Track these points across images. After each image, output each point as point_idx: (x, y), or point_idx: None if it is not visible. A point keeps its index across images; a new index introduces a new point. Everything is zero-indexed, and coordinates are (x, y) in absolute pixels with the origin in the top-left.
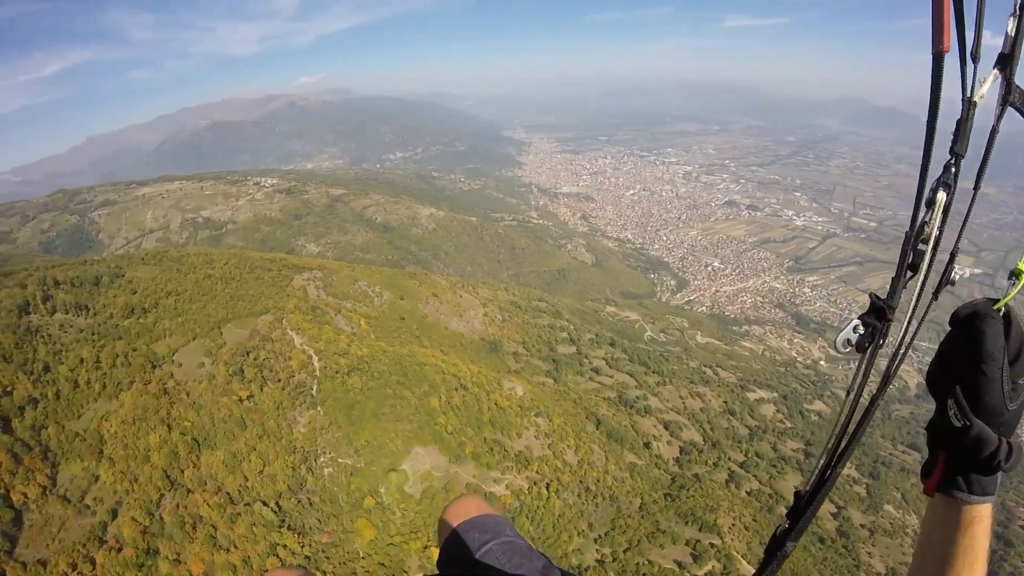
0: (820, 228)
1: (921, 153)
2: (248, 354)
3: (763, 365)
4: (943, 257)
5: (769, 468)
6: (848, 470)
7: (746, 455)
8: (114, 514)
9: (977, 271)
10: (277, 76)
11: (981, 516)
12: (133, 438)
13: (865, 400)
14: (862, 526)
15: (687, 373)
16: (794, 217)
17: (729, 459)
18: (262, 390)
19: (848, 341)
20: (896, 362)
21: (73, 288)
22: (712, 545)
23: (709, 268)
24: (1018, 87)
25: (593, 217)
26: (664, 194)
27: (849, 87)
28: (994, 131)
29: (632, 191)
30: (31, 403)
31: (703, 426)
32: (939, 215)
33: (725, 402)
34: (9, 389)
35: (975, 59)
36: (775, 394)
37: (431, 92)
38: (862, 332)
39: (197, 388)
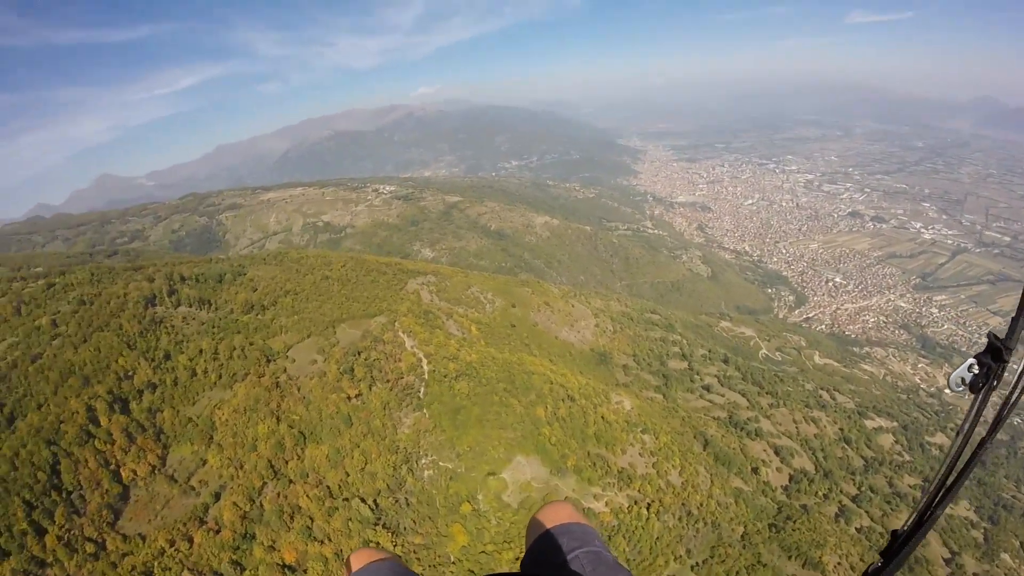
0: (950, 242)
1: None
2: (359, 354)
3: (884, 391)
4: None
5: (883, 504)
6: (966, 512)
7: (859, 488)
8: (217, 497)
9: None
10: (396, 87)
11: None
12: (243, 427)
13: (975, 441)
14: (975, 575)
15: (802, 396)
16: (922, 230)
17: (841, 491)
18: (370, 389)
19: (962, 380)
20: (1010, 405)
21: (197, 284)
22: None
23: (830, 284)
24: None
25: (709, 227)
26: (784, 204)
27: (981, 87)
28: None
29: (750, 200)
30: (150, 387)
31: (816, 454)
32: None
33: (841, 429)
34: (130, 374)
35: None
36: (895, 423)
37: (547, 101)
38: (976, 372)
39: (308, 384)
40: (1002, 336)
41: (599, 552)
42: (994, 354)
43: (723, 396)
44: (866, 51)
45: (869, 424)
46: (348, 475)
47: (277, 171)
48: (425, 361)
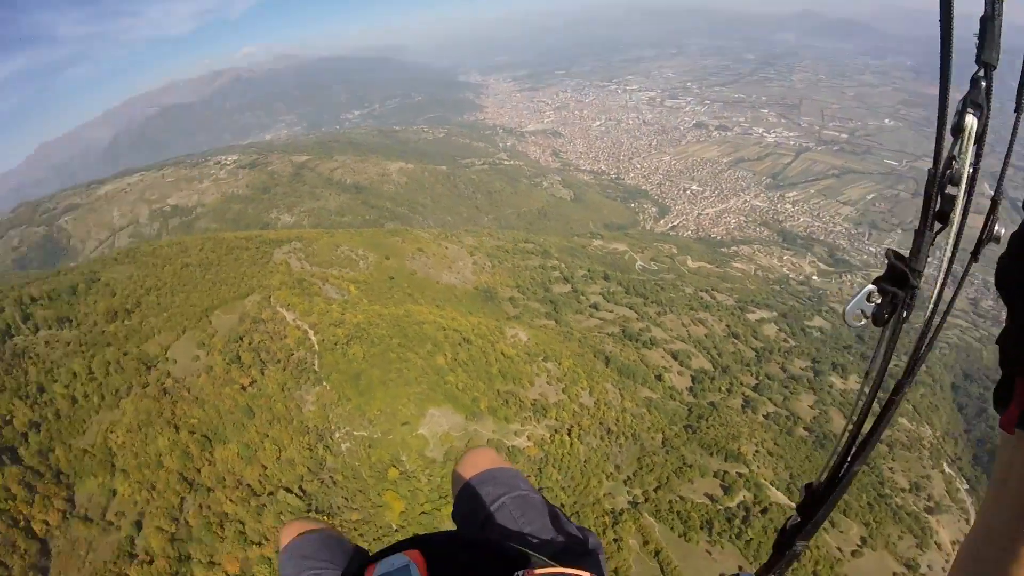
0: (792, 143)
1: (938, 68)
2: (242, 339)
3: (757, 285)
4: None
5: (782, 389)
6: (855, 385)
7: (757, 378)
8: (139, 526)
9: None
10: (218, 51)
11: None
12: (142, 445)
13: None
14: (880, 442)
15: (685, 300)
16: (764, 134)
17: (741, 384)
18: (263, 374)
19: (862, 313)
20: (927, 340)
21: (51, 302)
22: (740, 475)
23: (688, 192)
24: None
25: (564, 152)
26: (631, 122)
27: (803, 1)
28: None
29: (599, 122)
30: (33, 427)
31: (710, 352)
32: (970, 146)
33: (728, 326)
34: (9, 418)
35: None
36: (774, 313)
37: (379, 47)
38: (879, 301)
39: (197, 382)
40: (906, 255)
41: (525, 495)
42: (898, 280)
43: (612, 312)
44: None
45: (751, 317)
46: (266, 468)
47: (109, 161)
48: (311, 332)
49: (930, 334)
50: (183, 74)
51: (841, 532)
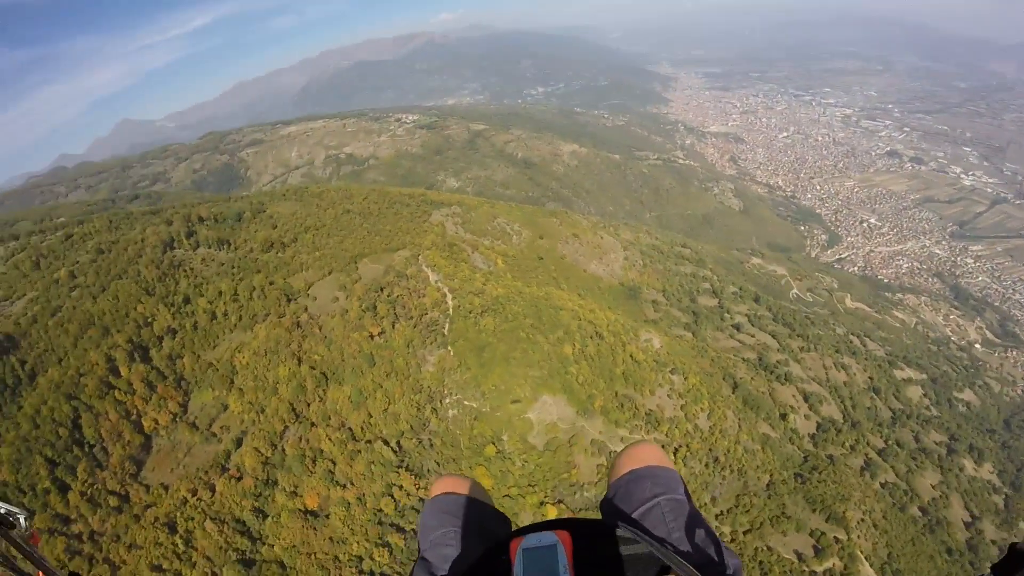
0: (990, 191)
1: None
2: (382, 290)
3: (914, 341)
4: None
5: (908, 460)
6: (989, 475)
7: (886, 442)
8: (239, 443)
9: None
10: (417, 14)
11: None
12: (264, 370)
13: None
14: (993, 542)
15: (833, 340)
16: (962, 175)
17: (868, 443)
18: (393, 327)
19: None
20: None
21: (216, 224)
22: (837, 540)
23: (864, 225)
24: None
25: (742, 160)
26: (820, 139)
27: None
28: None
29: (785, 134)
30: (170, 333)
31: (844, 402)
32: None
33: (871, 378)
34: (150, 320)
35: None
36: (924, 376)
37: (573, 26)
38: None
39: (329, 323)
40: None
41: (681, 500)
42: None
43: (753, 337)
44: None
45: (899, 374)
46: (371, 416)
47: (297, 105)
48: (450, 296)
49: None
50: (381, 34)
51: None
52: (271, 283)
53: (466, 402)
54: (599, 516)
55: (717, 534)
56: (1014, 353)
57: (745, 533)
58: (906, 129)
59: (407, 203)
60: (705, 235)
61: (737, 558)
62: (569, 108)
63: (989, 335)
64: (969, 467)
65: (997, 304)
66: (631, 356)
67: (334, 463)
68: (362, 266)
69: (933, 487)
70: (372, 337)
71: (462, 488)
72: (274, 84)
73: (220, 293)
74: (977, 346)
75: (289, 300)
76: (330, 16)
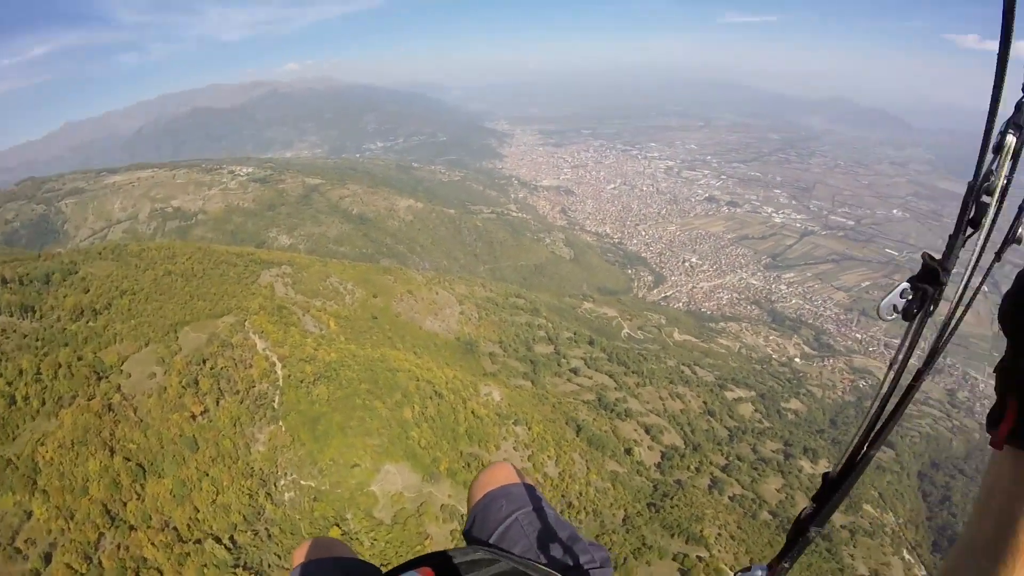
0: (798, 225)
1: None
2: (205, 362)
3: (740, 363)
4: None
5: (750, 471)
6: (825, 469)
7: (727, 458)
8: (47, 559)
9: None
10: (264, 63)
11: None
12: (71, 465)
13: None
14: (842, 527)
15: (666, 372)
16: (773, 214)
17: (711, 463)
18: (218, 404)
19: (894, 307)
20: (949, 332)
21: (21, 287)
22: (700, 559)
23: (687, 264)
24: None
25: (572, 211)
26: (644, 189)
27: (836, 87)
28: None
29: (613, 185)
30: None
31: (683, 428)
32: (1007, 161)
33: (704, 402)
34: None
35: None
36: (753, 392)
37: (418, 82)
38: (911, 297)
39: (146, 403)
40: (938, 257)
41: (540, 511)
42: (930, 276)
43: (591, 378)
44: (736, 51)
45: (729, 395)
46: (198, 511)
47: (128, 151)
48: (279, 365)
49: (952, 326)
50: (226, 79)
51: None
52: (80, 358)
53: (303, 481)
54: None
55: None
56: (831, 361)
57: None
58: (723, 177)
59: (234, 263)
60: (538, 284)
61: (604, 551)
62: (407, 163)
63: (807, 349)
64: (807, 467)
65: (811, 321)
66: (472, 412)
67: (160, 572)
68: (183, 335)
69: (777, 491)
70: (194, 417)
71: (322, 552)
72: (106, 126)
73: (21, 372)
74: (797, 360)
75: (99, 378)
76: (176, 58)
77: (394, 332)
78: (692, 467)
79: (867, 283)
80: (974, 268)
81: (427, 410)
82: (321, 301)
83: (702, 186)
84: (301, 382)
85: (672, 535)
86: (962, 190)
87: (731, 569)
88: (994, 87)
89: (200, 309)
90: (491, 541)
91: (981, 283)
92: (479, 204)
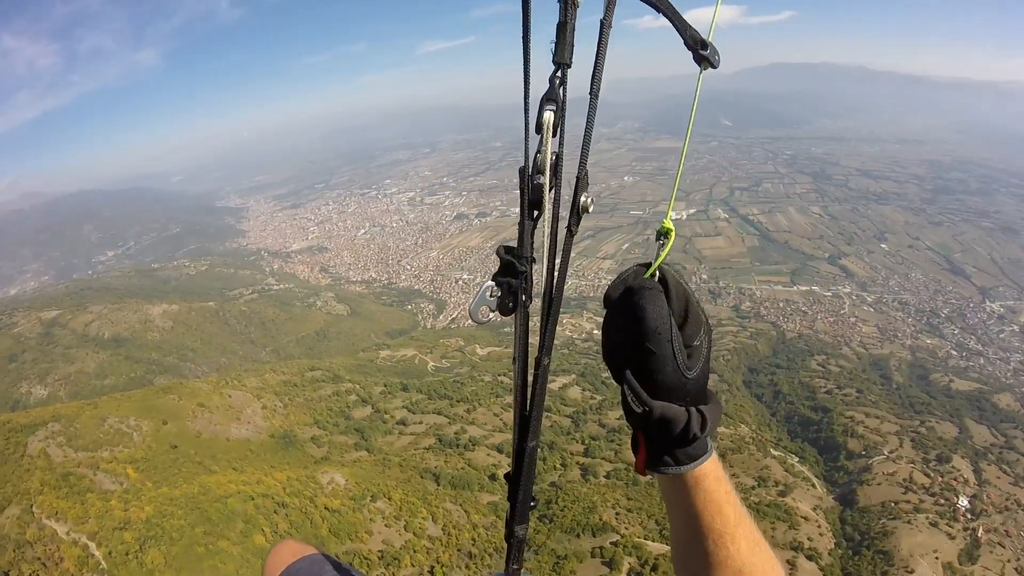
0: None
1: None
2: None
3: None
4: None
5: (608, 445)
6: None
7: (583, 443)
8: None
9: (692, 211)
10: None
11: (704, 473)
12: None
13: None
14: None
15: (488, 389)
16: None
17: (572, 454)
18: None
19: (486, 310)
20: (548, 314)
21: None
22: (615, 544)
23: (460, 282)
24: None
25: (333, 267)
26: (395, 224)
27: (539, 90)
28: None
29: (363, 230)
30: None
31: None
32: (550, 137)
33: None
34: None
35: None
36: (573, 376)
37: (134, 176)
38: (499, 294)
39: None
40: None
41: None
42: (508, 269)
43: (421, 424)
44: (442, 75)
45: (553, 387)
46: None
47: None
48: (93, 545)
49: (551, 307)
50: None
51: None
52: None
53: None
54: None
55: None
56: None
57: None
58: (464, 193)
59: None
60: (327, 349)
61: None
62: (146, 266)
63: (599, 318)
64: None
65: (592, 295)
66: (326, 507)
67: None
68: None
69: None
70: None
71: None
72: None
73: None
74: (596, 331)
75: None
76: None
77: (202, 455)
78: (558, 465)
79: (627, 245)
80: (553, 250)
81: (278, 526)
82: (108, 450)
83: (448, 207)
84: (127, 555)
85: (577, 535)
86: (673, 145)
87: (646, 538)
88: (524, 67)
89: None
90: None
91: (566, 260)
92: (237, 288)
